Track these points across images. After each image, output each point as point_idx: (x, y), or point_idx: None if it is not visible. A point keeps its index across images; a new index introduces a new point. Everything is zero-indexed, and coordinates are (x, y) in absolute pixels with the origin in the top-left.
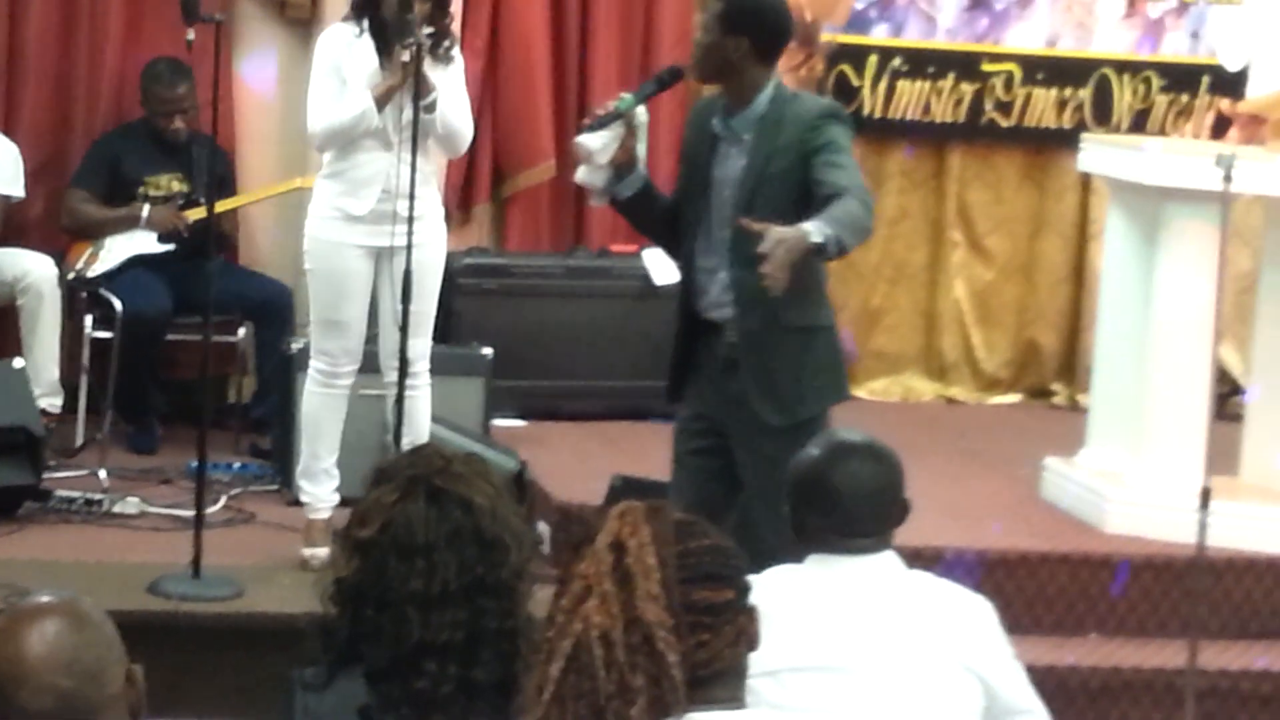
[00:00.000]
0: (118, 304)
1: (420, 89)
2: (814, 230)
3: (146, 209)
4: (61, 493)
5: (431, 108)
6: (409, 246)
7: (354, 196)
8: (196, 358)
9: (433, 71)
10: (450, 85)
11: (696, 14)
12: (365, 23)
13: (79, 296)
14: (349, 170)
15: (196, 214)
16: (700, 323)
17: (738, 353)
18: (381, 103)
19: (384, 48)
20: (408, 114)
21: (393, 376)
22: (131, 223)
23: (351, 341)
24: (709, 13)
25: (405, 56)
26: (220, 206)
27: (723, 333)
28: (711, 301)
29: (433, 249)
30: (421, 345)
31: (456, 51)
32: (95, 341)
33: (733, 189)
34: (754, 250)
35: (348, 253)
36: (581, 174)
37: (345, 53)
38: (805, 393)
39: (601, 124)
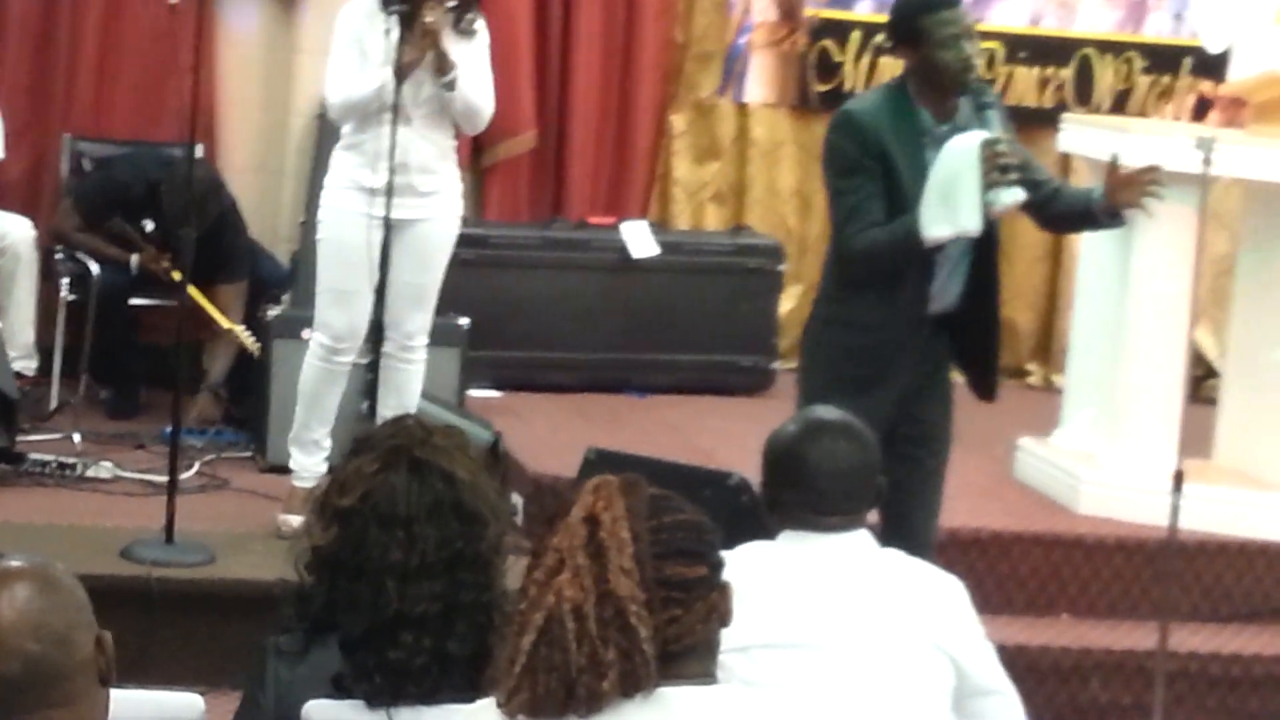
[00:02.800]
0: (93, 267)
1: (442, 65)
2: None
3: (135, 259)
4: (35, 456)
5: (451, 85)
6: (386, 219)
7: (370, 169)
8: (173, 323)
9: (455, 46)
10: (472, 60)
11: None
12: None
13: (54, 259)
14: (367, 142)
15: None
16: (921, 322)
17: (931, 343)
18: (400, 77)
19: (404, 21)
20: (427, 89)
21: (389, 347)
22: (120, 263)
23: (357, 314)
24: (970, 22)
25: (433, 19)
26: (194, 293)
27: (926, 324)
28: (944, 297)
29: (445, 224)
30: (423, 319)
31: (481, 25)
32: (70, 305)
33: None
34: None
35: (362, 223)
36: (973, 225)
37: (366, 25)
38: None
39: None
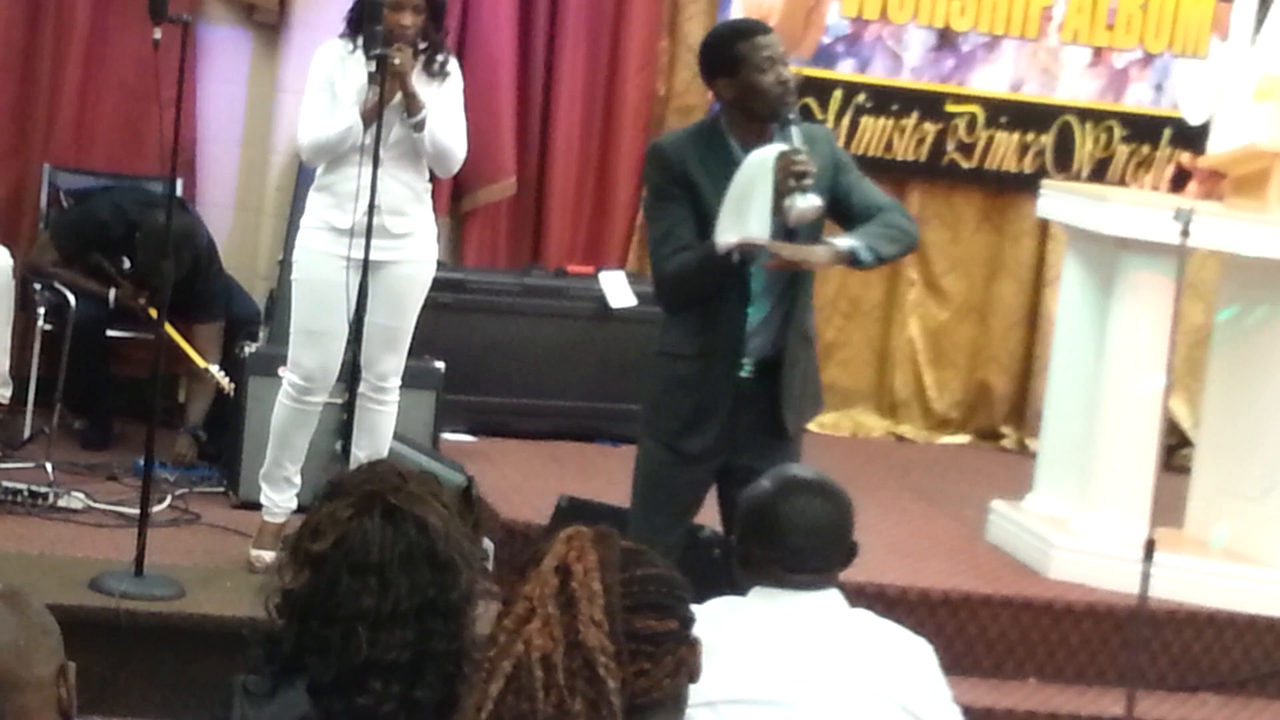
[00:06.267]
0: (71, 298)
1: (411, 106)
2: (841, 241)
3: (113, 293)
4: (7, 484)
5: (420, 126)
6: (364, 260)
7: (340, 209)
8: (148, 356)
9: (426, 88)
10: (443, 102)
11: (664, 39)
12: (359, 39)
13: (31, 288)
14: (337, 183)
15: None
16: (738, 358)
17: (755, 387)
18: (368, 119)
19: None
20: (396, 131)
21: (362, 388)
22: (98, 296)
23: (328, 355)
24: (781, 48)
25: (372, 67)
26: (170, 331)
27: (746, 361)
28: (747, 336)
29: (418, 266)
30: (396, 362)
31: (454, 67)
32: (46, 334)
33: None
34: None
35: (333, 263)
36: (765, 231)
37: (338, 67)
38: (806, 403)
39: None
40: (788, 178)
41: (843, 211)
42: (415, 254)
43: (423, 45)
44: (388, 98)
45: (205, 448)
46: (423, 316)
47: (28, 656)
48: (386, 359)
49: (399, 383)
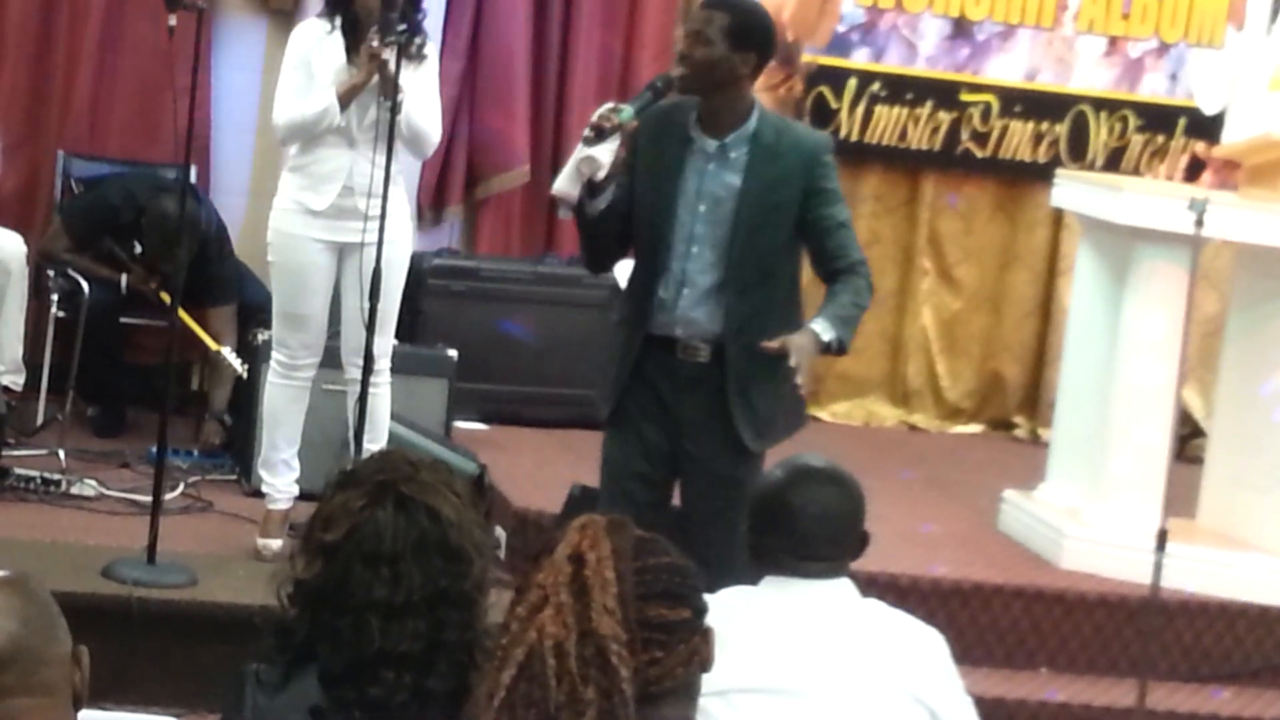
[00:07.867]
0: (84, 285)
1: (388, 89)
2: (823, 331)
3: (125, 279)
4: (20, 471)
5: (396, 109)
6: (379, 244)
7: (314, 191)
8: (161, 343)
9: (403, 71)
10: (420, 86)
11: (679, 27)
12: (338, 19)
13: (46, 275)
14: (311, 165)
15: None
16: (651, 339)
17: (705, 373)
18: (345, 101)
19: (353, 45)
20: (373, 113)
21: (354, 373)
22: (111, 282)
23: (311, 335)
24: (712, 25)
25: (387, 54)
26: (183, 314)
27: (678, 350)
28: (677, 317)
29: (398, 247)
30: (383, 343)
31: (430, 50)
32: (60, 321)
33: (723, 208)
34: (752, 277)
35: (308, 246)
36: (564, 184)
37: (315, 48)
38: (777, 418)
39: (605, 135)
40: (588, 129)
41: (813, 244)
42: (389, 234)
43: (401, 28)
44: (365, 81)
45: (232, 433)
46: (436, 304)
47: (50, 632)
48: (373, 340)
49: (389, 364)
